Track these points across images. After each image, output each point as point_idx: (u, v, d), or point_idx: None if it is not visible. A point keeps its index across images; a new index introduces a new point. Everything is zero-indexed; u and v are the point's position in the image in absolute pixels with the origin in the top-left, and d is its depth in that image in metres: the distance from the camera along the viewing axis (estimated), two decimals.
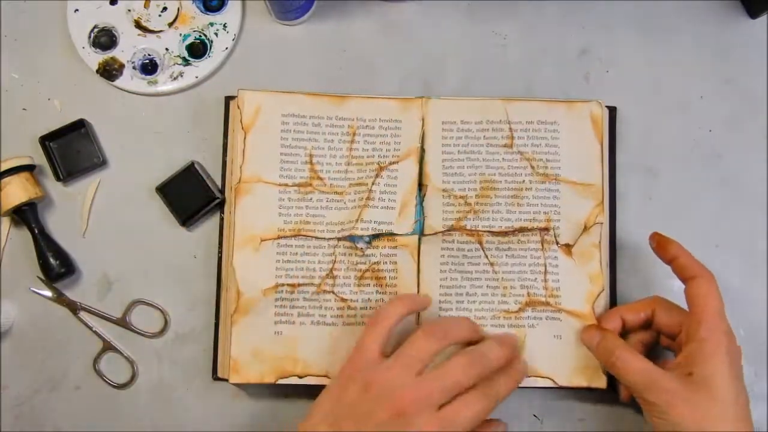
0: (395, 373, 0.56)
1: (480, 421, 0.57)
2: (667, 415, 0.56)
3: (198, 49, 0.70)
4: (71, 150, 0.69)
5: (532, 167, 0.66)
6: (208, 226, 0.69)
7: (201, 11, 0.71)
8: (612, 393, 0.67)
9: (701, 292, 0.59)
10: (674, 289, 0.68)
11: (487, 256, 0.65)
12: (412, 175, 0.66)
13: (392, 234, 0.65)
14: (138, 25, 0.70)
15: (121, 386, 0.67)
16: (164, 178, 0.68)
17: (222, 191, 0.68)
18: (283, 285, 0.64)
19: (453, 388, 0.56)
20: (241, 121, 0.66)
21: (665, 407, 0.56)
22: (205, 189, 0.67)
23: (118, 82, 0.70)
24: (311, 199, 0.65)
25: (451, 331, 0.60)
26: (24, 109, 0.70)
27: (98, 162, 0.69)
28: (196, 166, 0.68)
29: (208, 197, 0.67)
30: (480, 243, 0.65)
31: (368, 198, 0.66)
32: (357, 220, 0.65)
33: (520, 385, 0.64)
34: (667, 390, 0.56)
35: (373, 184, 0.66)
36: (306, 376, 0.63)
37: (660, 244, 0.62)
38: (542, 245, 0.65)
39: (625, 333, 0.63)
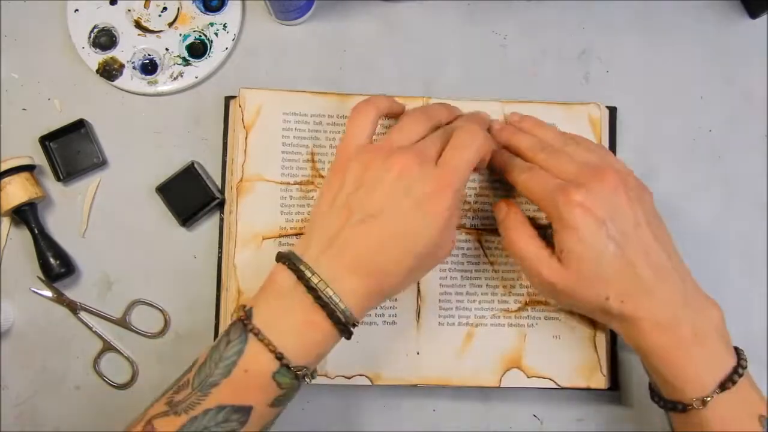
0: (388, 145, 0.55)
1: (478, 158, 0.56)
2: (550, 296, 0.59)
3: (198, 49, 0.70)
4: (71, 150, 0.69)
5: None
6: (208, 226, 0.69)
7: (201, 11, 0.71)
8: (612, 393, 0.67)
9: (522, 183, 0.59)
10: None
11: (486, 256, 0.65)
12: None
13: None
14: (138, 25, 0.70)
15: (121, 386, 0.67)
16: (164, 178, 0.68)
17: (222, 191, 0.68)
18: None
19: (442, 139, 0.56)
20: (242, 120, 0.66)
21: (540, 292, 0.60)
22: (205, 189, 0.67)
23: (118, 82, 0.70)
24: (313, 197, 0.65)
25: (433, 110, 0.60)
26: (24, 109, 0.70)
27: (98, 162, 0.69)
28: (196, 166, 0.68)
29: (208, 197, 0.67)
30: (480, 242, 0.65)
31: None
32: None
33: (520, 386, 0.64)
34: (540, 275, 0.57)
35: None
36: None
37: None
38: None
39: None
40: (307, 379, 0.53)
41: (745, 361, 0.55)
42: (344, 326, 0.53)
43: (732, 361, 0.54)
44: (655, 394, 0.58)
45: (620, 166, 0.59)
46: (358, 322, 0.54)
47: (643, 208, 0.56)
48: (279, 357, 0.51)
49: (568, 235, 0.55)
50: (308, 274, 0.52)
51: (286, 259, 0.54)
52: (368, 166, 0.54)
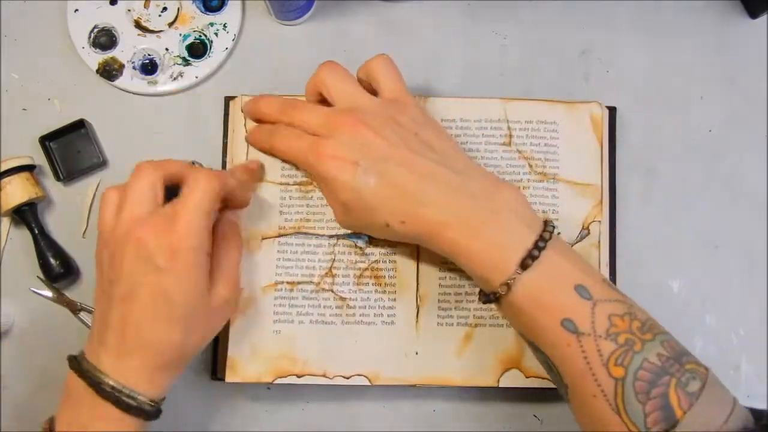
0: (127, 216, 0.55)
1: (216, 196, 0.55)
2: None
3: (198, 49, 0.70)
4: (71, 150, 0.69)
5: (530, 166, 0.66)
6: None
7: (201, 11, 0.71)
8: None
9: (275, 148, 0.63)
10: (674, 290, 0.69)
11: None
12: None
13: None
14: (138, 25, 0.70)
15: None
16: None
17: None
18: (282, 283, 0.64)
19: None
20: (245, 126, 0.66)
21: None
22: None
23: (118, 82, 0.70)
24: (312, 197, 0.65)
25: (161, 162, 0.57)
26: (24, 109, 0.70)
27: (98, 162, 0.69)
28: (195, 165, 0.68)
29: None
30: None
31: None
32: None
33: (518, 386, 0.64)
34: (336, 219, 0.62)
35: None
36: (304, 375, 0.63)
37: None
38: None
39: None
40: None
41: (549, 233, 0.53)
42: (138, 409, 0.53)
43: (532, 239, 0.53)
44: (480, 292, 0.57)
45: (365, 101, 0.60)
46: (157, 400, 0.55)
47: (396, 128, 0.57)
48: None
49: (331, 189, 0.58)
50: (86, 368, 0.53)
51: (71, 360, 0.55)
52: (114, 250, 0.54)
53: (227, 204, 0.61)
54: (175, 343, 0.54)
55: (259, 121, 0.65)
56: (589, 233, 0.65)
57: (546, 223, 0.55)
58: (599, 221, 0.66)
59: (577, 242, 0.65)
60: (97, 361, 0.54)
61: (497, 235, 0.53)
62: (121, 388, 0.53)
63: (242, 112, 0.66)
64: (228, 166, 0.67)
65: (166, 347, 0.54)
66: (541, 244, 0.53)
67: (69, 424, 0.54)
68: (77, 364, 0.54)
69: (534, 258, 0.52)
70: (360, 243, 0.65)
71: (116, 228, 0.55)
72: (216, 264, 0.57)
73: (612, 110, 0.69)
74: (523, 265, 0.52)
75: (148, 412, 0.54)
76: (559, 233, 0.63)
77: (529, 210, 0.56)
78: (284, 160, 0.65)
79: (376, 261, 0.65)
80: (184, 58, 0.70)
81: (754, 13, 0.72)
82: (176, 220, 0.53)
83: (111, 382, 0.53)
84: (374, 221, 0.57)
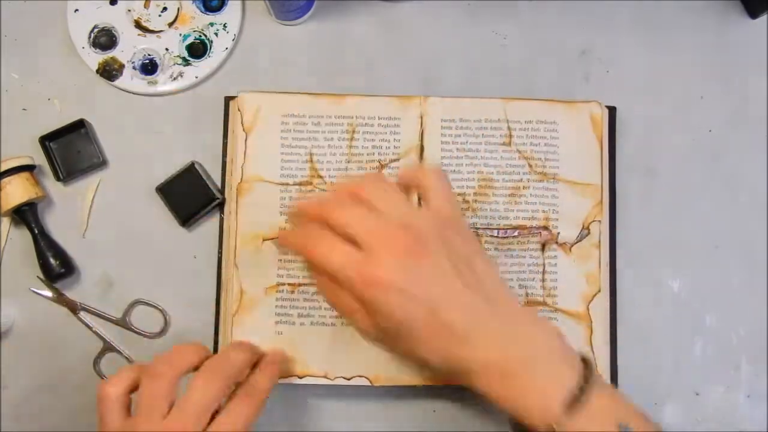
0: (141, 425, 0.52)
1: (254, 421, 0.54)
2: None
3: (198, 49, 0.70)
4: (71, 150, 0.69)
5: (530, 166, 0.66)
6: (208, 226, 0.69)
7: (201, 11, 0.71)
8: None
9: (315, 257, 0.53)
10: (674, 290, 0.69)
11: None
12: None
13: None
14: (138, 25, 0.70)
15: None
16: (164, 178, 0.68)
17: (222, 191, 0.68)
18: (284, 284, 0.64)
19: (205, 408, 0.52)
20: (242, 123, 0.66)
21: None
22: (205, 189, 0.67)
23: (118, 82, 0.70)
24: (312, 198, 0.65)
25: (175, 359, 0.54)
26: (24, 109, 0.70)
27: (98, 162, 0.69)
28: (196, 166, 0.68)
29: (208, 197, 0.67)
30: (480, 243, 0.65)
31: None
32: None
33: None
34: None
35: None
36: (305, 376, 0.63)
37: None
38: (543, 246, 0.65)
39: None
40: None
41: (590, 373, 0.51)
42: None
43: (574, 379, 0.51)
44: (515, 425, 0.54)
45: (419, 219, 0.52)
46: None
47: (451, 256, 0.52)
48: None
49: (373, 314, 0.50)
50: None
51: None
52: None
53: None
54: None
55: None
56: (589, 233, 0.65)
57: (585, 360, 0.53)
58: (599, 221, 0.66)
59: (577, 242, 0.65)
60: None
61: (540, 379, 0.51)
62: None
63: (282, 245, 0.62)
64: (228, 166, 0.67)
65: None
66: (584, 385, 0.51)
67: None
68: None
69: (580, 402, 0.50)
70: None
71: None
72: None
73: (612, 110, 0.69)
74: (569, 410, 0.50)
75: None
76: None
77: (567, 347, 0.54)
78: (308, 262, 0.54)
79: None
80: (184, 58, 0.70)
81: (754, 13, 0.72)
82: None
83: None
84: (414, 354, 0.52)
